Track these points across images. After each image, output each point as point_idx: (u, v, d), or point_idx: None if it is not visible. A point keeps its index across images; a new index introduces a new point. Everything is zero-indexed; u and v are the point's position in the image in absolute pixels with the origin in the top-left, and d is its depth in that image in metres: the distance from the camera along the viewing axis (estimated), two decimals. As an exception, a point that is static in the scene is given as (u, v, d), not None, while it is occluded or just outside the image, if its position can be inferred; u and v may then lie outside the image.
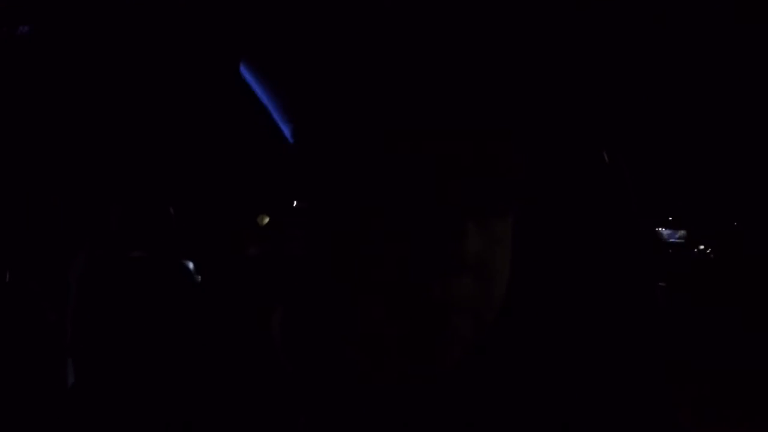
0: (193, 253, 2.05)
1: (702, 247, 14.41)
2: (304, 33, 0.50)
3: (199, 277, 2.01)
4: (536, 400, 0.52)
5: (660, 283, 1.50)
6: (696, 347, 5.30)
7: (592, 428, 0.51)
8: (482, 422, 0.50)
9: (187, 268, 1.99)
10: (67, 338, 2.06)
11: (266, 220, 2.21)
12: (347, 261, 0.46)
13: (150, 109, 2.01)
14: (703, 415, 3.64)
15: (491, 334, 0.51)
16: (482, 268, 0.46)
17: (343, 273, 0.46)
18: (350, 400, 0.50)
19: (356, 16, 0.50)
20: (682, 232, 15.65)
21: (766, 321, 6.80)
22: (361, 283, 0.45)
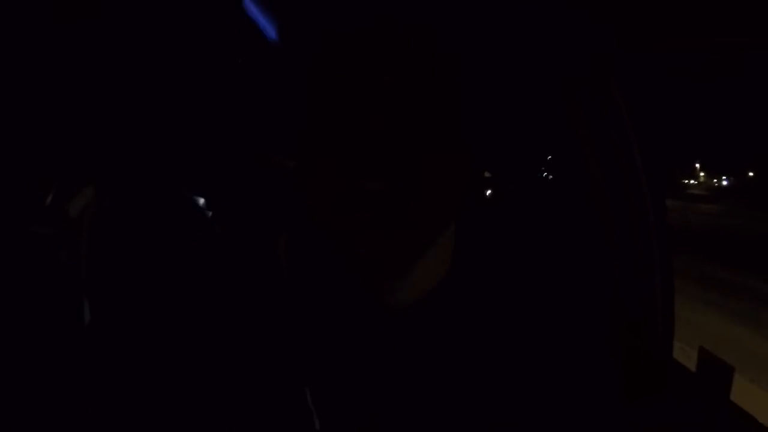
0: (204, 188, 2.03)
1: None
2: None
3: (210, 212, 2.00)
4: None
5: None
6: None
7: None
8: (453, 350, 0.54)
9: (197, 203, 1.97)
10: (81, 278, 2.07)
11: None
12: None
13: (157, 50, 1.96)
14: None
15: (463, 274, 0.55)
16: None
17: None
18: (348, 317, 0.53)
19: None
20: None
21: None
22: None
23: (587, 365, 0.54)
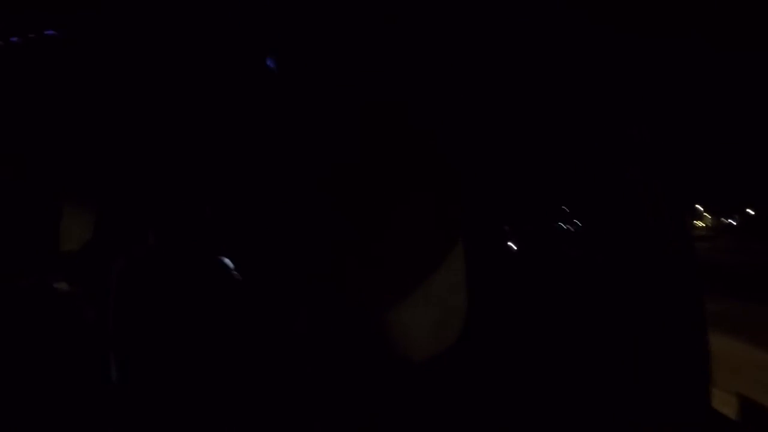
0: (231, 250, 2.07)
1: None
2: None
3: (238, 274, 2.04)
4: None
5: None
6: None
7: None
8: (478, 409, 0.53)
9: (226, 265, 2.02)
10: (108, 335, 2.10)
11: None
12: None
13: (186, 110, 2.04)
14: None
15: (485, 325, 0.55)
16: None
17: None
18: (368, 387, 0.52)
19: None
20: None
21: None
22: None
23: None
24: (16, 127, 2.05)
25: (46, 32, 1.71)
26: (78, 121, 2.19)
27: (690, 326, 1.40)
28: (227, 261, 2.03)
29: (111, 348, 2.10)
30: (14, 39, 1.69)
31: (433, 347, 0.52)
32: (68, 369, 2.26)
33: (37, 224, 2.39)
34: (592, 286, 1.29)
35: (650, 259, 1.38)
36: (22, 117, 2.05)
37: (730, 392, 1.81)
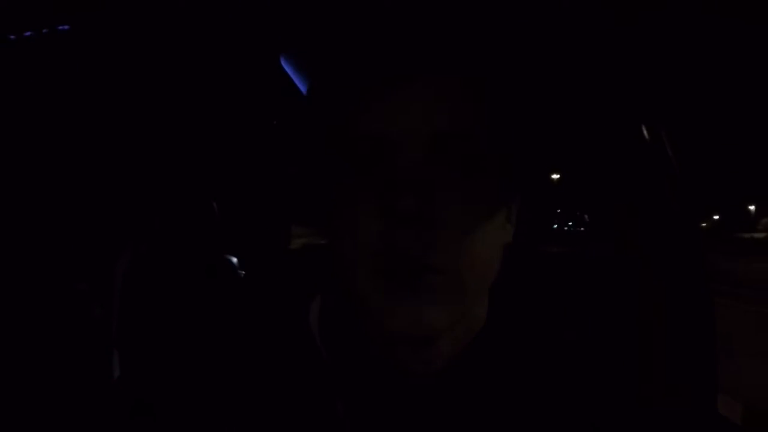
0: (237, 248, 2.08)
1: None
2: None
3: (243, 272, 2.04)
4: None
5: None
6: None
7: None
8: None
9: (231, 263, 2.02)
10: (113, 333, 2.11)
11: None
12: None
13: (196, 106, 2.05)
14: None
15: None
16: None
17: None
18: (381, 387, 0.51)
19: None
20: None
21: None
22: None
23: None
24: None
25: (59, 27, 1.73)
26: (89, 115, 2.21)
27: (697, 329, 1.38)
28: (232, 258, 2.03)
29: (115, 344, 2.11)
30: (28, 33, 1.71)
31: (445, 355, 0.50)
32: (74, 363, 2.27)
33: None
34: (598, 285, 1.28)
35: (659, 260, 1.37)
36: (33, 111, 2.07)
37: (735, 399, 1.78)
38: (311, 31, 1.46)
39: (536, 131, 0.54)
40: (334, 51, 0.51)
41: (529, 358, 0.55)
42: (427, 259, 0.44)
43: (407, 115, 0.45)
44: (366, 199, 0.45)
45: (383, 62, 0.47)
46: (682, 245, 1.43)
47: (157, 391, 1.96)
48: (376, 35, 0.49)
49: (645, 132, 1.44)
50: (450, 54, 0.47)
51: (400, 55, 0.47)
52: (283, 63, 1.75)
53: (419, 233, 0.44)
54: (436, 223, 0.44)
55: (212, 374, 0.54)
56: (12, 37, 1.71)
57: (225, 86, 2.01)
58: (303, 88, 1.83)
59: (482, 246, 0.47)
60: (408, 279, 0.44)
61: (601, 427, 0.50)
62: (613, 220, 1.75)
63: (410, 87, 0.46)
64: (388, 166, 0.45)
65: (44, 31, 1.70)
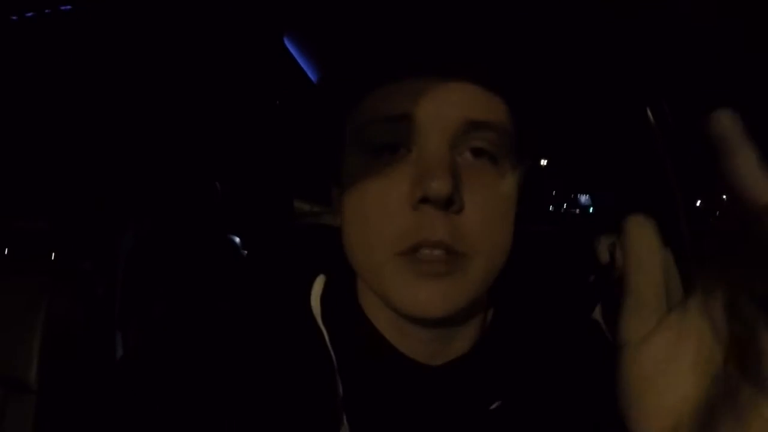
0: (239, 227, 2.09)
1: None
2: None
3: (245, 251, 2.06)
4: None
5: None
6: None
7: None
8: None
9: (234, 242, 2.04)
10: (115, 312, 2.13)
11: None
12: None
13: (198, 88, 2.04)
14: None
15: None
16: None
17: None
18: (385, 371, 0.51)
19: None
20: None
21: None
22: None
23: None
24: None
25: (61, 7, 1.73)
26: (87, 101, 2.21)
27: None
28: (235, 238, 2.05)
29: (117, 323, 2.13)
30: (29, 14, 1.70)
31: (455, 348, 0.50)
32: (77, 341, 2.28)
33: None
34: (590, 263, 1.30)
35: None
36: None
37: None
38: (335, 16, 1.45)
39: (548, 118, 0.55)
40: (364, 34, 0.51)
41: (536, 343, 0.55)
42: (454, 243, 0.44)
43: (440, 100, 0.46)
44: (393, 181, 0.45)
45: (421, 50, 0.47)
46: (675, 228, 1.47)
47: (159, 372, 1.99)
48: (418, 21, 0.49)
49: (649, 115, 1.48)
50: (482, 44, 0.48)
51: (437, 45, 0.47)
52: (288, 44, 1.74)
53: (448, 217, 0.44)
54: (464, 208, 0.45)
55: (210, 354, 0.52)
56: (14, 17, 1.70)
57: (227, 66, 2.01)
58: (308, 68, 1.84)
59: (504, 231, 0.48)
60: (433, 263, 0.44)
61: (612, 415, 0.49)
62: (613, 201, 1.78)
63: (445, 73, 0.46)
64: (420, 148, 0.46)
65: (46, 11, 1.69)
